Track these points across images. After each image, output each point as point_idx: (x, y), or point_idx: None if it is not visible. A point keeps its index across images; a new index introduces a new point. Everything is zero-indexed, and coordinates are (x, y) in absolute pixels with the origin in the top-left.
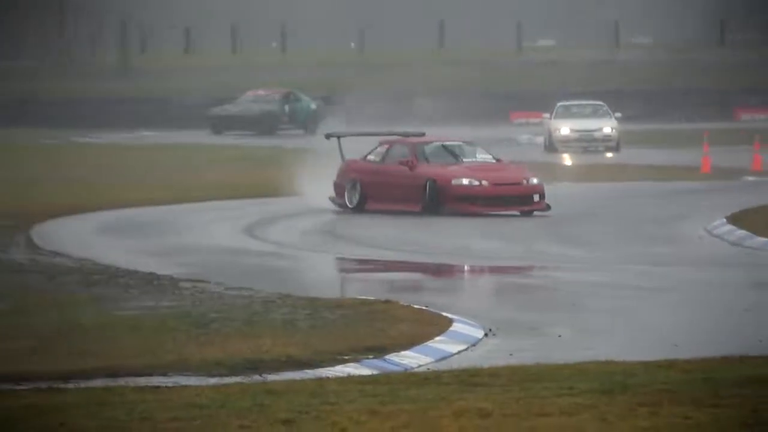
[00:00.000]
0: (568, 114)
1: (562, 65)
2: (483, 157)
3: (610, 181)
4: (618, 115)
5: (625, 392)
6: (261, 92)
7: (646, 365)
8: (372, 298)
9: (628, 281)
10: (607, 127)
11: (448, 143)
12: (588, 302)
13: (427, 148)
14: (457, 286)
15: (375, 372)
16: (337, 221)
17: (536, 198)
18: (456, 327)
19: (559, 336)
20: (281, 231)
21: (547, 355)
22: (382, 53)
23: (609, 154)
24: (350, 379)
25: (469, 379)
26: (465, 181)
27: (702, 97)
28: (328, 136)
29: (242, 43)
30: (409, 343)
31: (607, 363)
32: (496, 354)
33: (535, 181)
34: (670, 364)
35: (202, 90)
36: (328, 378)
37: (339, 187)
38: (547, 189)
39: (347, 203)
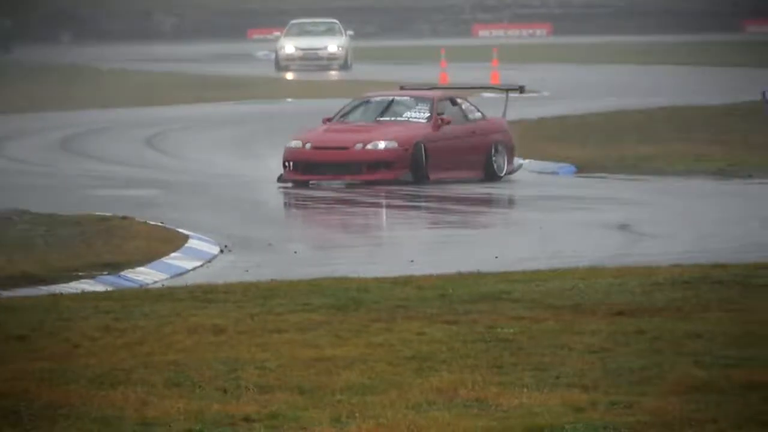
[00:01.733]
0: (300, 32)
1: None
2: (418, 115)
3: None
4: (350, 32)
5: (359, 308)
6: None
7: (380, 281)
8: (109, 214)
9: (362, 198)
10: (333, 45)
11: (398, 97)
12: (324, 218)
13: (358, 105)
14: (194, 202)
15: (110, 288)
16: (74, 138)
17: (380, 167)
18: (192, 243)
19: (295, 252)
20: (20, 148)
21: (283, 272)
22: None
23: (333, 73)
24: (85, 295)
25: (203, 295)
26: (292, 144)
27: (441, 13)
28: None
29: None
30: (144, 260)
31: (342, 279)
32: (231, 270)
33: (381, 145)
34: (405, 281)
35: None
36: (62, 294)
37: None
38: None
39: None
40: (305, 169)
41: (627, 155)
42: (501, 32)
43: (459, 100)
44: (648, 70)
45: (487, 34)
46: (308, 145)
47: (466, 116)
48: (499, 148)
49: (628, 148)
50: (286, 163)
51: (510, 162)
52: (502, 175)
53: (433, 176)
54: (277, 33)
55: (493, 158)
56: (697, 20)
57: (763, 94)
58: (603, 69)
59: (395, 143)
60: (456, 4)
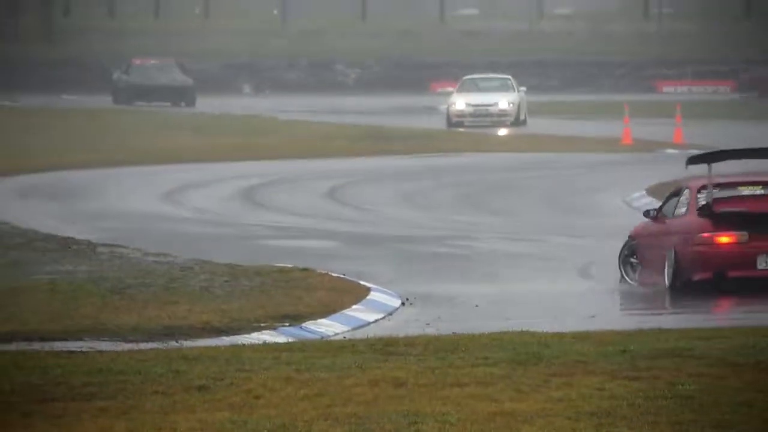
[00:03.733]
0: (472, 87)
1: (484, 35)
2: None
3: (526, 152)
4: (523, 88)
5: (539, 363)
6: (153, 61)
7: (561, 336)
8: (290, 265)
9: (546, 252)
10: (504, 101)
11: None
12: (505, 272)
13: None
14: (375, 255)
15: (291, 339)
16: (256, 188)
17: None
18: (373, 296)
19: (476, 306)
20: (202, 197)
21: (464, 326)
22: (305, 21)
23: (502, 131)
24: (266, 346)
25: (384, 348)
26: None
27: (622, 68)
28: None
29: (165, 8)
30: (325, 311)
31: (523, 333)
32: (412, 323)
33: None
34: (585, 336)
35: (122, 54)
36: (243, 345)
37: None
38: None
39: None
40: None
41: None
42: (685, 89)
43: None
44: None
45: (672, 91)
46: None
47: None
48: None
49: None
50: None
51: None
52: None
53: None
54: (452, 89)
55: None
56: None
57: None
58: None
59: None
60: (639, 61)
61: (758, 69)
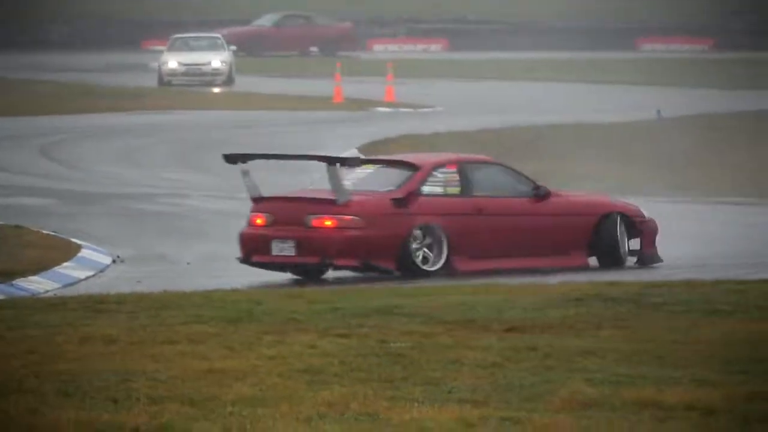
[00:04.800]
0: (182, 47)
1: None
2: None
3: (236, 110)
4: (233, 47)
5: (251, 320)
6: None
7: (272, 294)
8: (1, 222)
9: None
10: (217, 60)
11: None
12: (216, 231)
13: None
14: (88, 212)
15: (2, 297)
16: None
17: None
18: (84, 253)
19: (188, 264)
20: None
21: (175, 283)
22: None
23: (216, 90)
24: None
25: (95, 305)
26: None
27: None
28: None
29: None
30: (36, 269)
31: (234, 291)
32: (123, 281)
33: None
34: (297, 294)
35: None
36: None
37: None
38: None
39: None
40: None
41: (524, 169)
42: (396, 47)
43: None
44: (540, 87)
45: (382, 49)
46: None
47: None
48: None
49: (522, 164)
50: None
51: None
52: None
53: None
54: (162, 48)
55: None
56: (591, 38)
57: (658, 112)
58: (497, 85)
59: None
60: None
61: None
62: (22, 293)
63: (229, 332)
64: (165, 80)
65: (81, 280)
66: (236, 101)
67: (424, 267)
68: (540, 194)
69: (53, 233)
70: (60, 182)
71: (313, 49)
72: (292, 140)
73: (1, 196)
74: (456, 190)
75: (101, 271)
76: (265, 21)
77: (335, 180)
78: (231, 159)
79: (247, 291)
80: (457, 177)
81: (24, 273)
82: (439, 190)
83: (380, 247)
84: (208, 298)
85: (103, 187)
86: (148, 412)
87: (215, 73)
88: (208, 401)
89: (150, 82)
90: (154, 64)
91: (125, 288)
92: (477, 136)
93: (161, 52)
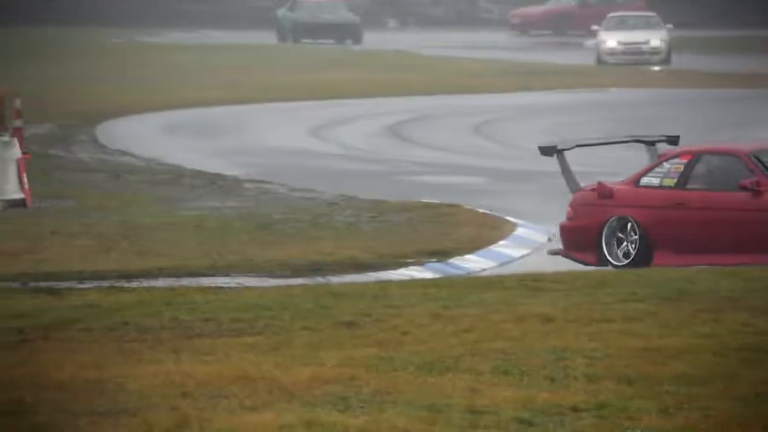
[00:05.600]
0: (618, 25)
1: None
2: None
3: (669, 88)
4: (669, 26)
5: (686, 299)
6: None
7: (709, 272)
8: (437, 201)
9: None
10: (656, 39)
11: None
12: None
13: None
14: (523, 191)
15: (438, 275)
16: (402, 124)
17: None
18: (519, 231)
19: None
20: (347, 133)
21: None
22: None
23: (656, 68)
24: (413, 282)
25: (532, 284)
26: None
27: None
28: (546, 152)
29: None
30: (472, 247)
31: (667, 270)
32: (559, 259)
33: None
34: (733, 272)
35: None
36: (390, 281)
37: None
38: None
39: (610, 258)
40: None
41: None
42: None
43: None
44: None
45: None
46: None
47: None
48: None
49: None
50: None
51: None
52: None
53: None
54: (597, 27)
55: None
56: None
57: None
58: None
59: None
60: None
61: None
62: (458, 272)
63: (664, 310)
64: (603, 59)
65: (517, 259)
66: (672, 79)
67: (619, 262)
68: (754, 189)
69: (488, 212)
70: (493, 160)
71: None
72: (731, 118)
73: (437, 175)
74: (672, 181)
75: (537, 249)
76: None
77: (564, 169)
78: (546, 152)
79: (679, 270)
80: (681, 168)
81: (460, 251)
82: (655, 181)
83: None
84: (642, 276)
85: (535, 165)
86: (586, 390)
87: (654, 51)
88: (645, 379)
89: (586, 60)
90: (590, 43)
91: (561, 266)
92: None
93: (596, 31)
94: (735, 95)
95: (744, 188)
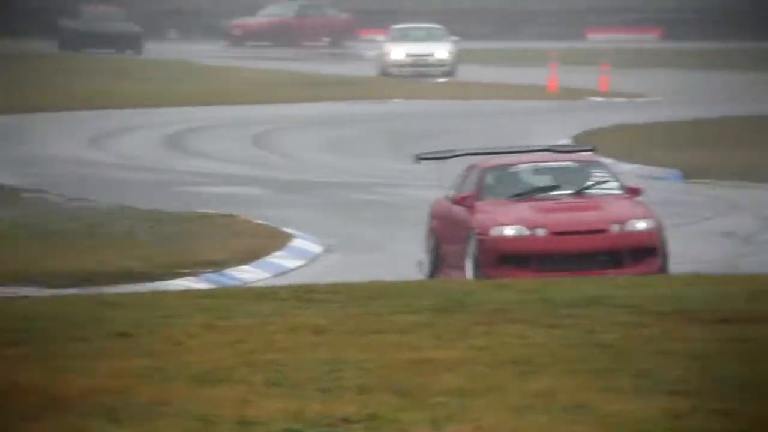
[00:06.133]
0: (403, 37)
1: None
2: (598, 185)
3: (453, 99)
4: (455, 38)
5: (461, 311)
6: (103, 7)
7: (483, 284)
8: (213, 212)
9: None
10: (442, 51)
11: (546, 164)
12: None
13: (492, 175)
14: (300, 202)
15: (213, 286)
16: (182, 134)
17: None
18: (295, 242)
19: (400, 253)
20: (126, 144)
21: (387, 272)
22: None
23: (442, 80)
24: (188, 293)
25: (306, 295)
26: (507, 232)
27: (550, 16)
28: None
29: None
30: (248, 258)
31: (445, 281)
32: (334, 270)
33: (641, 225)
34: (506, 285)
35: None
36: (165, 291)
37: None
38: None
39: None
40: (541, 265)
41: (735, 162)
42: (612, 36)
43: None
44: (758, 77)
45: (599, 38)
46: (541, 231)
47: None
48: None
49: (737, 155)
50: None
51: None
52: None
53: None
54: (382, 38)
55: None
56: None
57: None
58: (714, 75)
59: (653, 222)
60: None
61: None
62: (233, 282)
63: (439, 322)
64: (388, 71)
65: (292, 270)
66: (454, 91)
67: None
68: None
69: (265, 222)
70: (271, 171)
71: (326, 40)
72: (507, 130)
73: (215, 186)
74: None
75: (312, 260)
76: (284, 10)
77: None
78: (423, 159)
79: (457, 281)
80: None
81: (235, 262)
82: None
83: None
84: (419, 287)
85: (314, 176)
86: (357, 401)
87: (440, 64)
88: (417, 391)
89: (367, 71)
90: (371, 53)
91: (336, 277)
92: (694, 125)
93: (378, 41)
94: (516, 107)
95: (456, 203)
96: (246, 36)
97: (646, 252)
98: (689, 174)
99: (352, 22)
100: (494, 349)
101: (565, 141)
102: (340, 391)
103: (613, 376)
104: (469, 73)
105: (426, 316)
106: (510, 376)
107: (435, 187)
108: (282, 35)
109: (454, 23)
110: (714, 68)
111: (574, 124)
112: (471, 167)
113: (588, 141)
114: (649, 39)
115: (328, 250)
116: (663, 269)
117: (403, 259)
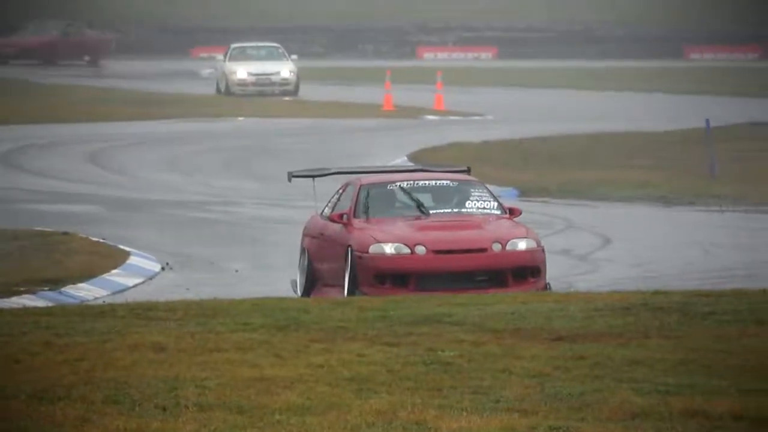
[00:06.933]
0: (244, 56)
1: None
2: (477, 205)
3: (292, 118)
4: (294, 57)
5: (299, 329)
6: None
7: (321, 301)
8: (50, 229)
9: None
10: (285, 70)
11: (420, 182)
12: (266, 238)
13: (370, 193)
14: (137, 219)
15: (50, 304)
16: (13, 152)
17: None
18: (133, 260)
19: (236, 271)
20: None
21: (224, 291)
22: None
23: (287, 98)
24: (25, 310)
25: (144, 312)
26: (387, 250)
27: (386, 34)
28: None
29: None
30: (85, 276)
31: (283, 299)
32: (172, 288)
33: (522, 245)
34: (346, 302)
35: None
36: (2, 310)
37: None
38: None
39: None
40: (421, 283)
41: (570, 180)
42: (446, 55)
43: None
44: (591, 96)
45: (432, 57)
46: (420, 249)
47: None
48: None
49: (571, 173)
50: (364, 275)
51: None
52: None
53: None
54: (220, 57)
55: None
56: (639, 47)
57: (707, 122)
58: (547, 93)
59: (534, 243)
60: (401, 26)
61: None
62: (71, 300)
63: (277, 340)
64: (232, 90)
65: (130, 288)
66: (291, 109)
67: None
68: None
69: (102, 240)
70: (108, 189)
71: (87, 58)
72: (345, 148)
73: (49, 203)
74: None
75: (150, 278)
76: (49, 29)
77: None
78: (295, 177)
79: (296, 299)
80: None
81: (72, 280)
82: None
83: None
84: (257, 305)
85: (152, 194)
86: (197, 419)
87: (284, 83)
88: (256, 409)
89: (203, 89)
90: (206, 72)
91: (174, 295)
92: (529, 144)
93: (213, 59)
94: (354, 125)
95: (332, 220)
96: (17, 54)
97: (528, 272)
98: (525, 192)
99: (108, 43)
100: (333, 367)
101: (401, 159)
102: (180, 409)
103: (453, 394)
104: (309, 91)
105: (264, 333)
106: (349, 393)
107: (275, 206)
108: (48, 53)
109: (290, 42)
110: (550, 87)
111: (411, 142)
112: (347, 184)
113: (424, 158)
114: (485, 58)
115: (165, 268)
116: (546, 288)
117: (240, 277)
